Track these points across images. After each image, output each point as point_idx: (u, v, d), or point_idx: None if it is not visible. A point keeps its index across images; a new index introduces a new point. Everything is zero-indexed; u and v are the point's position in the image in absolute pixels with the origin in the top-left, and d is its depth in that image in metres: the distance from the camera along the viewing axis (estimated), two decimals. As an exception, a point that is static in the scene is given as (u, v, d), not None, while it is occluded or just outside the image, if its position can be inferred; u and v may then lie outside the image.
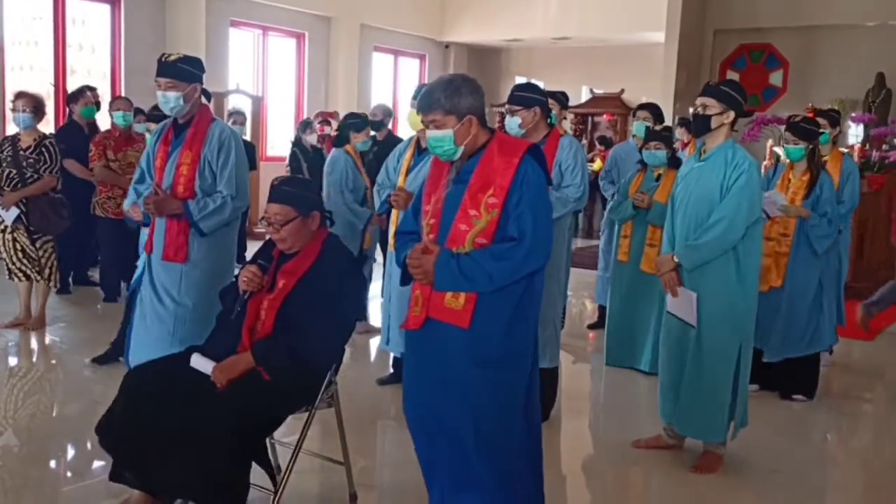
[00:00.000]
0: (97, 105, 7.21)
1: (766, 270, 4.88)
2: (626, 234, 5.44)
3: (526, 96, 4.18)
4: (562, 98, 5.72)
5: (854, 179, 5.49)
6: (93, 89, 7.31)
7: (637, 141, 6.30)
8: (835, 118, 5.65)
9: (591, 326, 6.76)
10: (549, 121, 4.35)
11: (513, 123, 4.16)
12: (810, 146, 4.78)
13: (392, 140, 6.79)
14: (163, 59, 3.82)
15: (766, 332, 4.84)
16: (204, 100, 3.94)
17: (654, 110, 6.31)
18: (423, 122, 2.72)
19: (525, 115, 4.14)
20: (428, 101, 2.66)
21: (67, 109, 7.38)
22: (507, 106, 4.24)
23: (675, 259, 3.69)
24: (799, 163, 4.84)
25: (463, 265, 2.60)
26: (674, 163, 5.20)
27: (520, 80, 14.40)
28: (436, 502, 2.89)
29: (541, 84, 4.65)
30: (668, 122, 7.53)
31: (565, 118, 5.96)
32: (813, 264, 4.86)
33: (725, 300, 3.64)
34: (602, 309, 6.67)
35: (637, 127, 6.25)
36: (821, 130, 5.11)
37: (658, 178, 5.27)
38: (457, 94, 2.63)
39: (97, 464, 3.51)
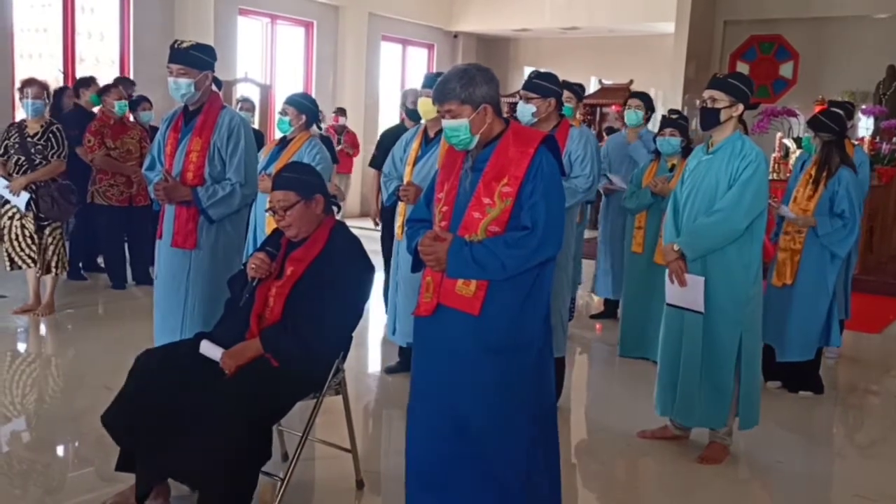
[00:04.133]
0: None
1: (780, 265, 4.86)
2: (640, 226, 5.41)
3: (544, 85, 4.17)
4: (578, 91, 5.69)
5: (864, 170, 5.47)
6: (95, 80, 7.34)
7: (629, 131, 6.28)
8: (848, 111, 5.63)
9: (594, 316, 6.75)
10: (561, 112, 4.34)
11: (526, 111, 4.14)
12: (815, 136, 4.74)
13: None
14: (175, 46, 3.81)
15: (778, 331, 4.82)
16: (214, 88, 3.94)
17: (646, 99, 6.27)
18: (438, 112, 2.72)
19: (540, 105, 4.13)
20: (443, 91, 2.65)
21: (76, 94, 7.38)
22: (521, 91, 4.20)
23: (677, 248, 3.69)
24: (818, 156, 4.78)
25: (476, 253, 2.61)
26: (688, 152, 5.17)
27: (528, 70, 14.42)
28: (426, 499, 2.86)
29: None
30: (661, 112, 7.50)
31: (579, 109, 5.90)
32: (827, 264, 4.78)
33: (727, 286, 3.64)
34: (606, 300, 6.67)
35: (629, 116, 6.20)
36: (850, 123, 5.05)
37: (672, 168, 5.23)
38: (472, 84, 2.63)
39: (104, 449, 3.51)
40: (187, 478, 2.97)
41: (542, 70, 4.39)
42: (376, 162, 6.33)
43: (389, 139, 6.24)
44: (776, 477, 3.83)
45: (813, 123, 4.78)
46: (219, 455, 2.76)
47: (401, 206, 4.61)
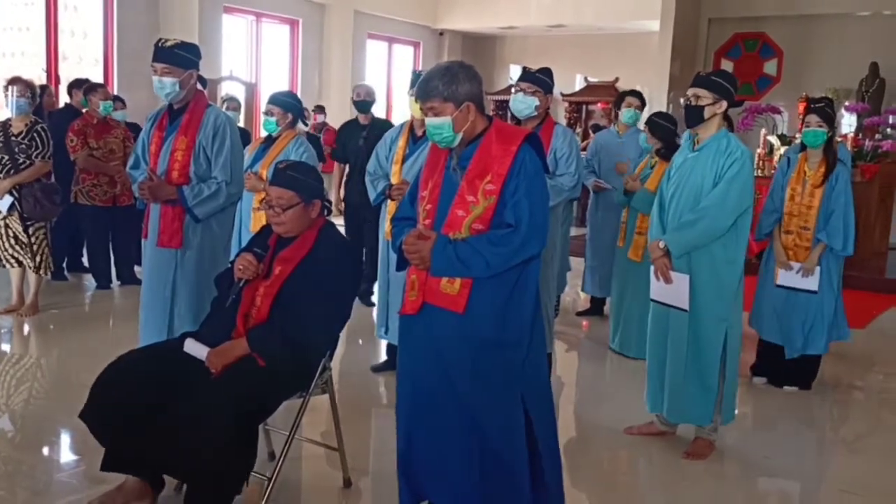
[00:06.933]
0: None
1: (785, 264, 4.87)
2: (624, 220, 5.49)
3: (548, 82, 4.21)
4: None
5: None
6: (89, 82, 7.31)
7: (619, 128, 6.30)
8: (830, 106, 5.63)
9: (580, 314, 6.77)
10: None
11: (529, 103, 4.16)
12: (830, 133, 4.71)
13: (379, 124, 6.58)
14: (160, 45, 3.80)
15: (787, 328, 4.84)
16: (199, 86, 3.93)
17: (642, 98, 6.31)
18: (421, 109, 2.72)
19: (542, 99, 4.18)
20: (426, 89, 2.66)
21: (69, 94, 7.35)
22: (523, 84, 4.21)
23: (662, 245, 3.71)
24: (816, 151, 4.74)
25: (460, 251, 2.61)
26: (670, 153, 5.18)
27: (514, 68, 14.44)
28: (409, 498, 2.87)
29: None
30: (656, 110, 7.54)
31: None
32: (834, 260, 4.80)
33: (712, 283, 3.66)
34: (592, 298, 6.70)
35: (627, 114, 6.21)
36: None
37: (653, 167, 5.28)
38: (455, 81, 2.63)
39: (91, 450, 3.50)
40: (173, 477, 2.97)
41: (545, 67, 4.40)
42: (337, 154, 6.80)
43: (346, 133, 6.70)
44: (762, 472, 3.85)
45: (828, 117, 4.69)
46: (205, 454, 2.75)
47: (390, 206, 4.58)
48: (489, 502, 2.75)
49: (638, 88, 7.42)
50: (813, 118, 4.69)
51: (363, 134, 6.43)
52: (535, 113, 4.20)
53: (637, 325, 5.20)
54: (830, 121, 4.70)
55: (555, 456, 2.88)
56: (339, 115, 11.48)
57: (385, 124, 6.65)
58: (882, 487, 3.72)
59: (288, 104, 4.93)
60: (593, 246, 6.38)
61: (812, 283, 4.75)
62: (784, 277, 4.83)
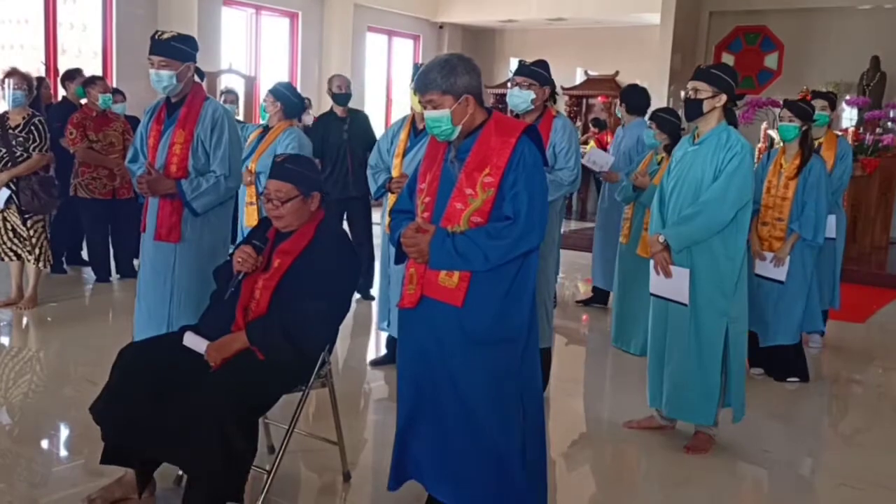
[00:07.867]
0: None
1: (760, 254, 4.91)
2: (628, 217, 5.48)
3: (543, 74, 4.20)
4: None
5: (847, 159, 5.52)
6: (81, 72, 7.29)
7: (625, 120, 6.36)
8: (832, 100, 5.66)
9: (580, 302, 6.77)
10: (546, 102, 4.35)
11: (525, 97, 4.15)
12: (804, 127, 4.76)
13: (359, 116, 6.52)
14: (156, 37, 3.77)
15: (760, 317, 4.87)
16: (197, 78, 3.91)
17: (628, 95, 6.26)
18: (420, 102, 2.71)
19: (539, 92, 4.16)
20: (424, 82, 2.65)
21: (63, 86, 7.33)
22: (518, 78, 4.21)
23: (662, 239, 3.70)
24: (791, 144, 4.81)
25: (458, 244, 2.60)
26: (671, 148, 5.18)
27: (514, 61, 14.41)
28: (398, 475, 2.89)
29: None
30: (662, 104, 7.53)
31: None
32: (807, 250, 4.85)
33: (712, 277, 3.65)
34: (596, 288, 6.70)
35: (617, 110, 6.30)
36: (822, 112, 5.13)
37: (660, 162, 5.26)
38: (453, 74, 2.62)
39: (90, 443, 3.50)
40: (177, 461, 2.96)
41: (541, 59, 4.38)
42: (314, 150, 6.22)
43: (323, 126, 6.46)
44: (762, 466, 3.85)
45: (800, 112, 4.76)
46: (204, 449, 2.75)
47: (390, 199, 4.57)
48: (486, 494, 2.75)
49: (637, 82, 7.38)
50: (786, 113, 4.79)
51: (344, 127, 6.34)
52: (533, 107, 4.18)
53: (639, 322, 5.20)
54: (804, 115, 4.76)
55: (540, 453, 2.87)
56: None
57: (363, 116, 6.62)
58: (880, 481, 3.73)
59: (279, 94, 4.95)
60: (600, 236, 6.38)
61: (780, 273, 4.79)
62: (760, 267, 4.89)
